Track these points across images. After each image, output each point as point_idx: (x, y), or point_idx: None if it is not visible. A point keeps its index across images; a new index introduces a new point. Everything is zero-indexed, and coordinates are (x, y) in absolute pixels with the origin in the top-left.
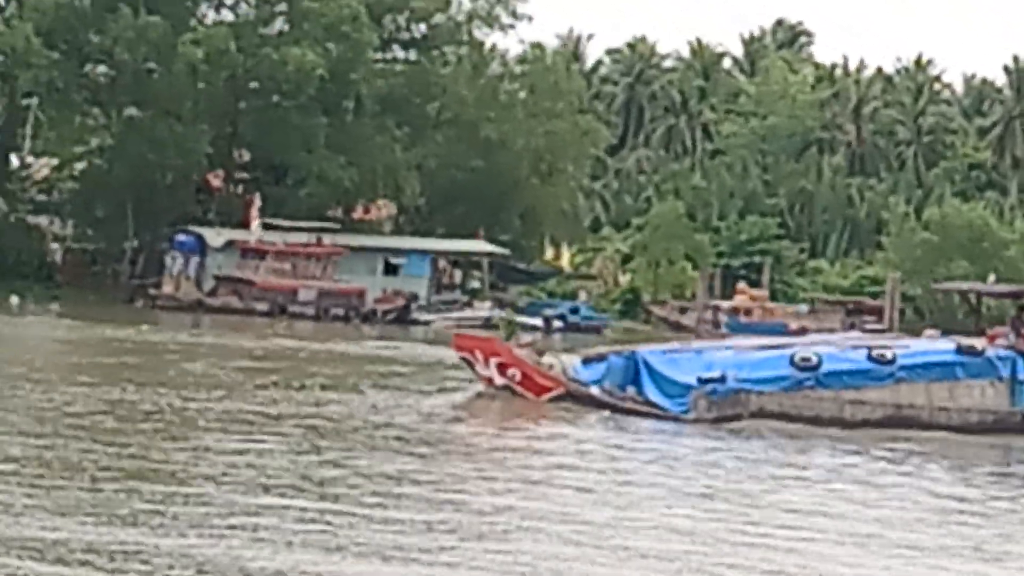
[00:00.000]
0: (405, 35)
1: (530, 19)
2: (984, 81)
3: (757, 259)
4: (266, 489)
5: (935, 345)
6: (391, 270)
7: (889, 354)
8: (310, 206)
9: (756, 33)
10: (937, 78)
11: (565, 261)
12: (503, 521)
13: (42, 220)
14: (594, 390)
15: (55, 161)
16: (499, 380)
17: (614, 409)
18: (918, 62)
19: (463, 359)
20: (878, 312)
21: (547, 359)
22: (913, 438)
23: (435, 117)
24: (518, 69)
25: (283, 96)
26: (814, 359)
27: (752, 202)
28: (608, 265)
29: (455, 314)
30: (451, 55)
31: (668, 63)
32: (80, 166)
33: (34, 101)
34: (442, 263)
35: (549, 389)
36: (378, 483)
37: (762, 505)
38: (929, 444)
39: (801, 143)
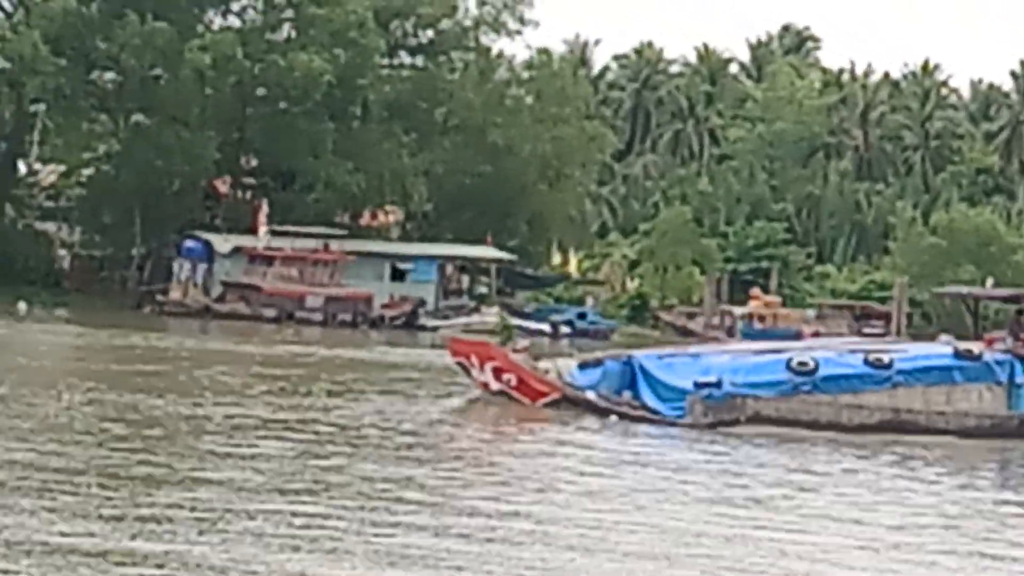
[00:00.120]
0: (412, 41)
1: (537, 25)
2: (991, 86)
3: (764, 264)
4: (273, 493)
5: (932, 349)
6: (398, 276)
7: (886, 358)
8: (317, 212)
9: (763, 38)
10: (944, 83)
11: (572, 267)
12: (510, 526)
13: (50, 226)
14: (590, 395)
15: (62, 167)
16: (495, 385)
17: (610, 414)
18: (925, 67)
19: (459, 364)
20: (885, 317)
21: (543, 364)
22: (911, 442)
23: (442, 123)
24: (525, 75)
25: (290, 102)
26: (811, 363)
27: (759, 207)
28: (615, 270)
29: (462, 320)
30: (458, 61)
31: (675, 68)
32: (87, 172)
33: (41, 108)
34: (449, 269)
35: (545, 394)
36: (383, 488)
37: (770, 509)
38: (929, 449)
39: (808, 148)
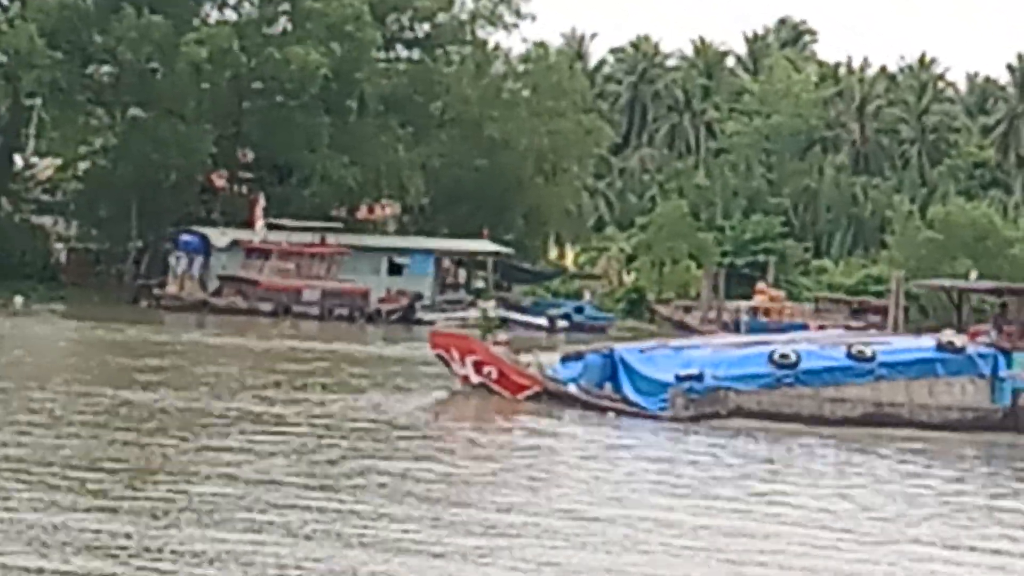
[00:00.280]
0: (408, 34)
1: (533, 18)
2: (988, 80)
3: (761, 258)
4: (269, 486)
5: (915, 342)
6: (395, 270)
7: (869, 351)
8: (314, 206)
9: (760, 32)
10: (941, 76)
11: (569, 260)
12: (506, 519)
13: (46, 220)
14: (572, 388)
15: (59, 161)
16: (475, 378)
17: (591, 407)
18: (922, 60)
19: (439, 357)
20: (882, 311)
21: (524, 357)
22: (894, 435)
23: (439, 116)
24: (521, 68)
25: (287, 96)
26: (793, 356)
27: (756, 201)
28: (612, 264)
29: (459, 314)
30: (454, 54)
31: (672, 62)
32: (84, 166)
33: (38, 101)
34: (446, 263)
35: (526, 387)
36: (380, 481)
37: (763, 503)
38: (914, 441)
39: (805, 142)
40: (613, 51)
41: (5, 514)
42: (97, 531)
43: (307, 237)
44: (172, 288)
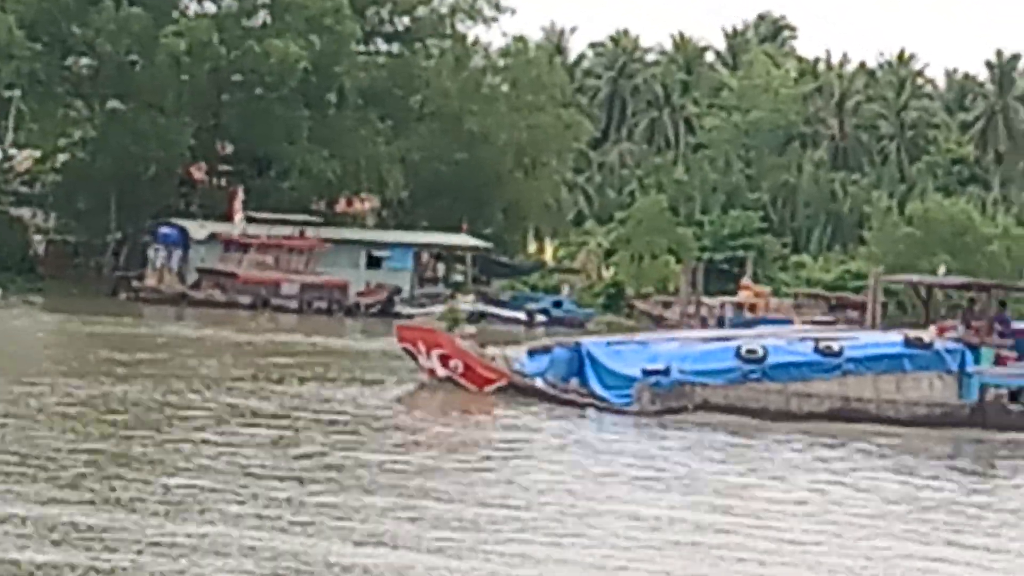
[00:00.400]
0: (388, 28)
1: (513, 12)
2: (966, 76)
3: (740, 253)
4: (247, 478)
5: (883, 338)
6: (374, 263)
7: (836, 346)
8: (293, 199)
9: (739, 27)
10: (920, 73)
11: (548, 255)
12: (486, 513)
13: (24, 212)
14: (538, 382)
15: (37, 153)
16: (441, 371)
17: (556, 401)
18: (901, 56)
19: (406, 350)
20: (861, 307)
21: (490, 350)
22: (862, 431)
23: (418, 110)
24: (501, 62)
25: (266, 88)
26: (760, 351)
27: (735, 196)
28: (591, 259)
29: (438, 308)
30: (434, 48)
31: (651, 57)
32: (63, 158)
33: (16, 93)
34: (425, 256)
35: (492, 381)
36: (357, 474)
37: (744, 498)
38: (881, 437)
39: (784, 137)
40: (592, 46)
41: None
42: (73, 523)
43: (286, 230)
44: (151, 281)
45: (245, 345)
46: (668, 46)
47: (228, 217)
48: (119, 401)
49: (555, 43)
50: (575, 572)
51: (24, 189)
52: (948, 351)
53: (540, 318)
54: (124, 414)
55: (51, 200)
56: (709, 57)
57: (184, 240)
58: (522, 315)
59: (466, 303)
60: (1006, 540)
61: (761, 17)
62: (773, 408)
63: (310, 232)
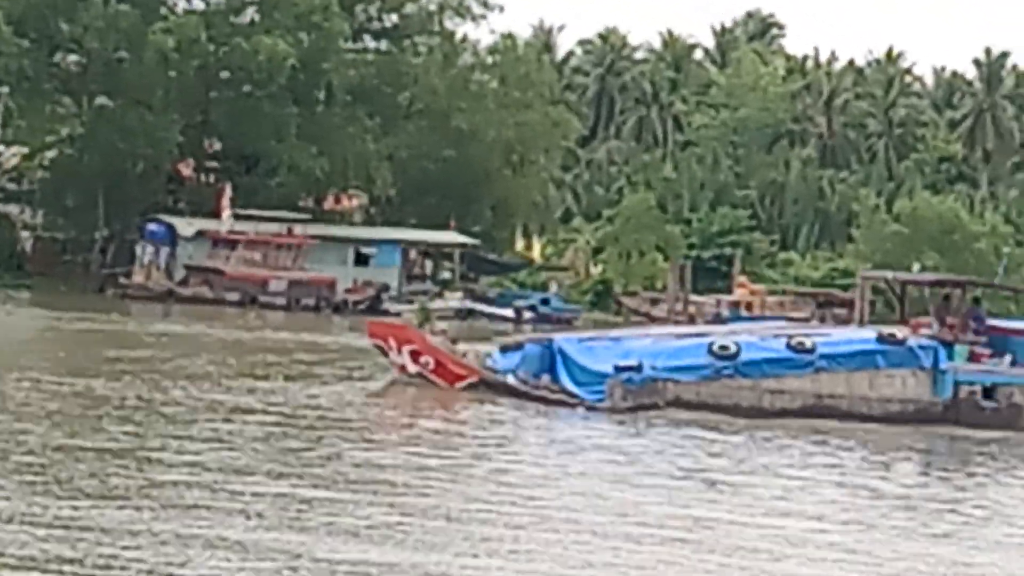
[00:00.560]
0: (376, 25)
1: (501, 10)
2: (954, 74)
3: (728, 251)
4: (230, 474)
5: (856, 334)
6: (362, 260)
7: (809, 343)
8: (281, 196)
9: (727, 25)
10: (908, 71)
11: (536, 252)
12: (468, 507)
13: (12, 209)
14: (509, 378)
15: (25, 150)
16: (412, 368)
17: (527, 397)
18: (889, 54)
19: (377, 347)
20: (848, 304)
21: (461, 347)
22: (835, 428)
23: (406, 107)
24: (489, 60)
25: (254, 85)
26: (732, 348)
27: (723, 194)
28: (579, 256)
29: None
30: (422, 45)
31: (639, 54)
32: (50, 155)
33: (4, 90)
34: (413, 254)
35: (463, 377)
36: (342, 468)
37: (732, 493)
38: (853, 434)
39: (772, 135)
40: (581, 43)
41: None
42: (59, 516)
43: (274, 227)
44: (138, 278)
45: (232, 342)
46: (656, 44)
47: (216, 214)
48: (105, 398)
49: (543, 40)
50: (563, 566)
51: (12, 186)
52: (922, 348)
53: (528, 315)
54: (111, 410)
55: (39, 197)
56: (697, 55)
57: (172, 237)
58: (510, 312)
59: (454, 300)
60: (991, 534)
61: (749, 15)
62: (745, 405)
63: (298, 229)
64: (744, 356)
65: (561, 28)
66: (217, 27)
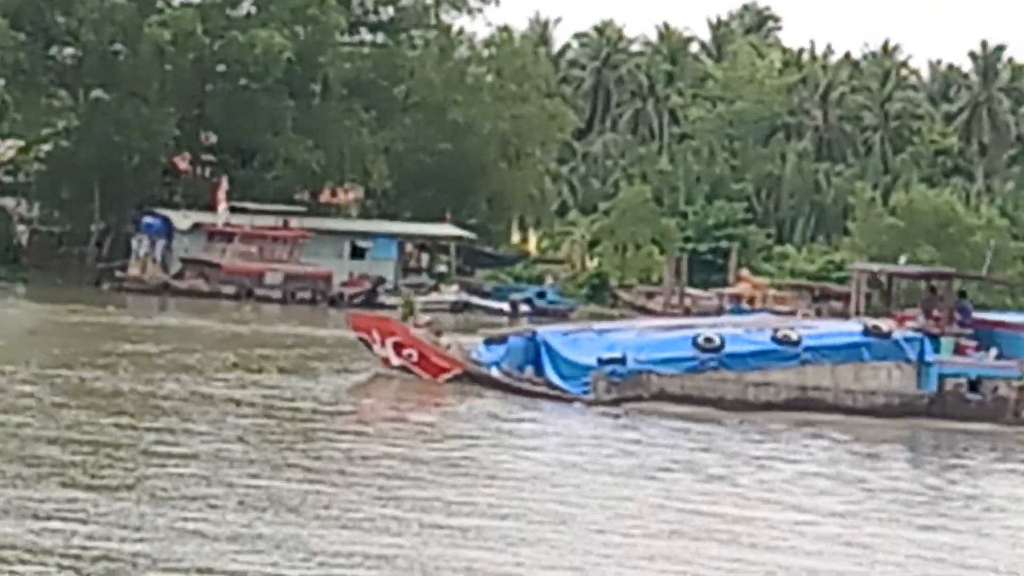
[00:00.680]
0: (372, 18)
1: (497, 3)
2: (950, 67)
3: (724, 244)
4: (226, 466)
5: (842, 327)
6: (358, 253)
7: (794, 335)
8: (277, 189)
9: (723, 18)
10: (904, 64)
11: (532, 245)
12: (466, 498)
13: (8, 202)
14: (493, 371)
15: (21, 143)
16: (396, 360)
17: (511, 390)
18: (885, 48)
19: (360, 339)
20: (844, 297)
21: (444, 339)
22: (820, 420)
23: (402, 100)
24: (485, 53)
25: (250, 79)
26: (717, 340)
27: (719, 187)
28: (575, 249)
29: (421, 298)
30: (418, 38)
31: (635, 47)
32: (46, 148)
33: (0, 83)
34: (409, 247)
35: (446, 370)
36: (335, 459)
37: (728, 487)
38: (839, 426)
39: (768, 128)
40: (577, 36)
41: None
42: (56, 508)
43: (270, 220)
44: (134, 271)
45: (228, 335)
46: (653, 37)
47: (212, 207)
48: (100, 390)
49: (540, 33)
50: (560, 555)
51: (7, 179)
52: (907, 340)
53: (524, 308)
54: (106, 403)
55: (35, 190)
56: (694, 48)
57: (168, 230)
58: (506, 306)
59: (450, 293)
60: (984, 525)
61: (746, 7)
62: (730, 397)
63: (294, 222)
64: (729, 349)
65: (557, 21)
66: (213, 20)
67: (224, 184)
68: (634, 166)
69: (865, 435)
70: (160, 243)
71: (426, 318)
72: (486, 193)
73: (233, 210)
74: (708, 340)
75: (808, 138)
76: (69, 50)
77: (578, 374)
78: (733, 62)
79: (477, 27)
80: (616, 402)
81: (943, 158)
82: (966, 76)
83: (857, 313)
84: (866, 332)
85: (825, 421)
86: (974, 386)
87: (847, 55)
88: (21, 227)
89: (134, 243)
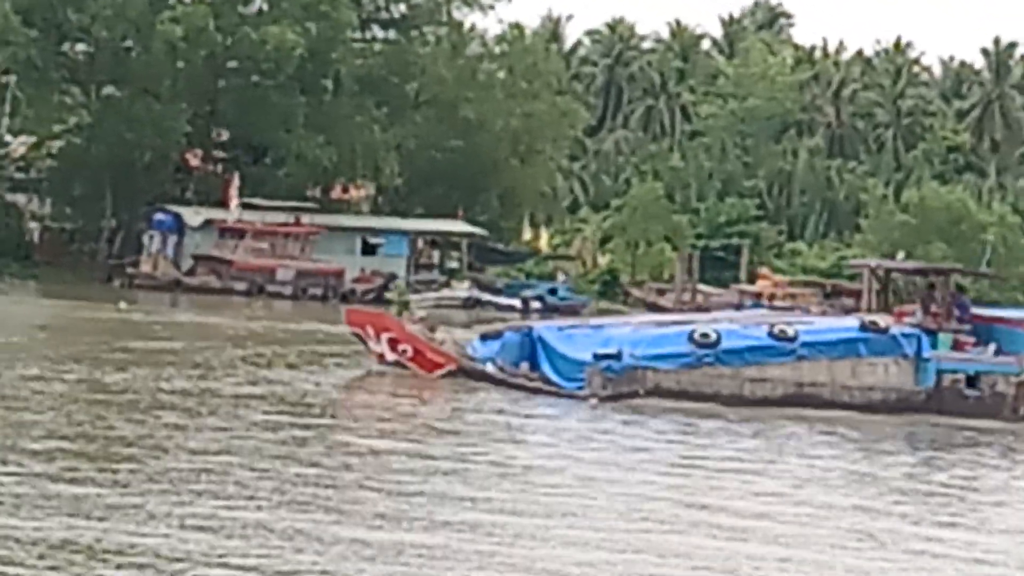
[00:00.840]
0: (384, 15)
1: (509, 0)
2: (963, 64)
3: (735, 241)
4: (236, 460)
5: (839, 322)
6: (369, 250)
7: (791, 331)
8: (288, 186)
9: (735, 15)
10: (916, 60)
11: (543, 242)
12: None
13: (20, 198)
14: (488, 367)
15: (33, 139)
16: (390, 356)
17: (506, 386)
18: (897, 44)
19: (355, 335)
20: (856, 294)
21: (439, 335)
22: (816, 416)
23: (414, 97)
24: (497, 50)
25: (262, 75)
26: (713, 336)
27: (731, 184)
28: (586, 246)
29: (433, 294)
30: (430, 35)
31: (647, 44)
32: (58, 144)
33: (12, 79)
34: (420, 243)
35: (441, 365)
36: (344, 454)
37: (737, 482)
38: (837, 422)
39: (780, 125)
40: (589, 33)
41: None
42: (69, 502)
43: (281, 217)
44: (145, 267)
45: (239, 331)
46: (664, 34)
47: (223, 203)
48: (111, 386)
49: (551, 30)
50: (569, 550)
51: (19, 175)
52: (905, 336)
53: (535, 305)
54: (116, 399)
55: (46, 186)
56: (705, 45)
57: (179, 226)
58: (517, 302)
59: (461, 290)
60: (992, 520)
61: (757, 4)
62: (726, 393)
63: (305, 219)
64: (725, 344)
65: (569, 18)
66: (225, 16)
67: (236, 180)
68: (646, 163)
69: (863, 431)
70: (172, 239)
71: (421, 313)
72: (497, 190)
73: (245, 206)
74: (704, 336)
75: (820, 135)
76: (81, 47)
77: (574, 370)
78: (745, 59)
79: (489, 24)
80: (612, 398)
81: (955, 155)
82: (978, 73)
83: (868, 310)
84: (863, 328)
85: (822, 417)
86: (972, 382)
87: (859, 52)
88: (33, 224)
89: (146, 239)
